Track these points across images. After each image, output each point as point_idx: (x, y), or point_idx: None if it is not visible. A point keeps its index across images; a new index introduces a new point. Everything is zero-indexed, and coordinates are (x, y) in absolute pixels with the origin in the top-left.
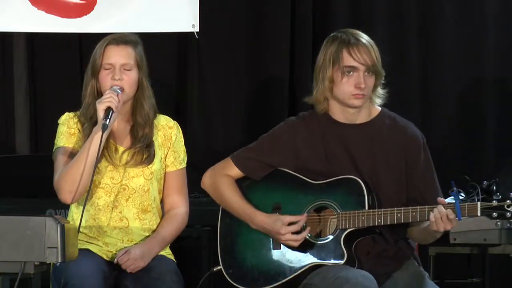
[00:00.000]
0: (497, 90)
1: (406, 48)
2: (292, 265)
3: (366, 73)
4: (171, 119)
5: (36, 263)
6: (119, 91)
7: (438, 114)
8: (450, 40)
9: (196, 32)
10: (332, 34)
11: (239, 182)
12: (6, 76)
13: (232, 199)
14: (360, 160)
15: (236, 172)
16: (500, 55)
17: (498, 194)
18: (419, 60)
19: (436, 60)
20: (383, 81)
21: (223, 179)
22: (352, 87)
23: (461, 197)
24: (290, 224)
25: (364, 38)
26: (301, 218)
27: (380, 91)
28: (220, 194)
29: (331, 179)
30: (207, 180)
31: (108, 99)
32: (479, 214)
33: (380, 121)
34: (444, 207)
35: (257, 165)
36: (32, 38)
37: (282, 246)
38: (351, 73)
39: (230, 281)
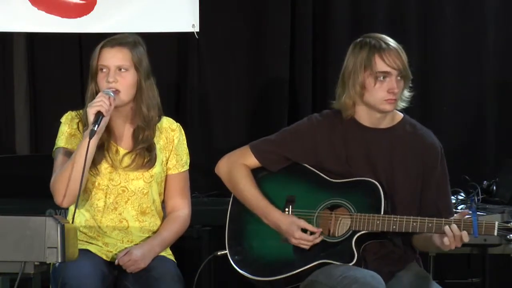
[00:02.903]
0: (497, 90)
1: (406, 48)
2: (300, 260)
3: (398, 78)
4: (174, 122)
5: (36, 263)
6: (112, 94)
7: (438, 114)
8: (450, 40)
9: (196, 32)
10: (359, 40)
11: (254, 172)
12: (6, 76)
13: (248, 190)
14: (379, 164)
15: (253, 161)
16: (500, 55)
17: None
18: (419, 60)
19: (436, 60)
20: (410, 85)
21: (240, 168)
22: (385, 92)
23: (460, 197)
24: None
25: (393, 42)
26: (317, 231)
27: (406, 94)
28: (235, 183)
29: (349, 179)
30: (223, 167)
31: (99, 103)
32: (495, 233)
33: (401, 128)
34: (460, 223)
35: (275, 158)
36: (32, 38)
37: None
38: (384, 78)
39: (235, 267)
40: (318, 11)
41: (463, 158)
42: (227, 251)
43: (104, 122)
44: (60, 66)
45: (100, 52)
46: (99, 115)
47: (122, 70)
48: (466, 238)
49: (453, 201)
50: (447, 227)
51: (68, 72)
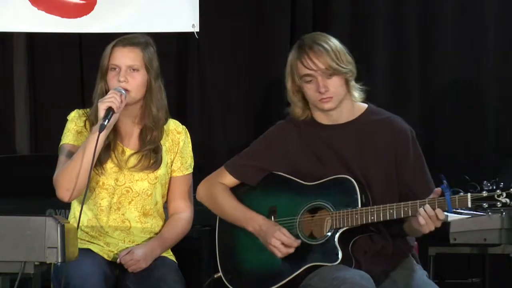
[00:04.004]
0: (497, 90)
1: (406, 48)
2: (289, 267)
3: (325, 77)
4: (180, 124)
5: (36, 263)
6: (123, 92)
7: (438, 114)
8: (450, 40)
9: (196, 32)
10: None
11: (233, 190)
12: (6, 76)
13: (227, 203)
14: (349, 159)
15: (230, 180)
16: (500, 55)
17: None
18: (419, 60)
19: (436, 60)
20: (351, 76)
21: (217, 186)
22: (316, 93)
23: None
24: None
25: (318, 41)
26: (296, 243)
27: (354, 85)
28: (215, 201)
29: (324, 180)
30: (202, 191)
31: (110, 99)
32: (469, 205)
33: (365, 118)
34: (434, 202)
35: (251, 171)
36: (32, 38)
37: None
38: (310, 80)
39: (230, 286)
40: (318, 11)
41: (463, 158)
42: (220, 274)
43: (114, 119)
44: (60, 66)
45: (111, 51)
46: (109, 110)
47: (133, 70)
48: (441, 215)
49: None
50: (421, 208)
51: (68, 72)
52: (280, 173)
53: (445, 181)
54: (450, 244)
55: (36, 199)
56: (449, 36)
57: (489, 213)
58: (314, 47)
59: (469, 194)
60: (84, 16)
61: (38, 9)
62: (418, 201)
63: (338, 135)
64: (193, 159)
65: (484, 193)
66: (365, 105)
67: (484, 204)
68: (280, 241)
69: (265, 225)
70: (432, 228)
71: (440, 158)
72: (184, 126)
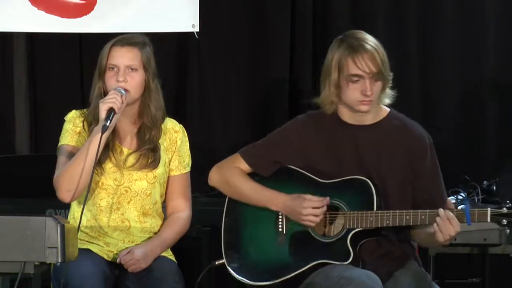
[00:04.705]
0: (497, 90)
1: (406, 48)
2: (297, 262)
3: (372, 80)
4: (177, 123)
5: (36, 263)
6: (123, 92)
7: (438, 114)
8: (450, 40)
9: (196, 32)
10: (339, 37)
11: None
12: (6, 76)
13: (246, 185)
14: (368, 160)
15: (244, 166)
16: (500, 55)
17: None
18: (419, 60)
19: (436, 60)
20: (390, 84)
21: (233, 170)
22: (359, 94)
23: (460, 197)
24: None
25: (370, 43)
26: (324, 202)
27: (388, 92)
28: (232, 184)
29: (340, 179)
30: (215, 176)
31: (111, 100)
32: (488, 220)
33: (388, 122)
34: (454, 212)
35: (265, 162)
36: (32, 38)
37: (287, 242)
38: (357, 80)
39: (234, 274)
40: (318, 11)
41: (463, 158)
42: (224, 260)
43: (115, 119)
44: (60, 66)
45: (110, 51)
46: (111, 111)
47: (132, 69)
48: (457, 225)
49: (453, 201)
50: (438, 217)
51: (68, 72)
52: (294, 167)
53: (465, 195)
54: (450, 244)
55: (36, 199)
56: (449, 36)
57: (507, 230)
58: (368, 49)
59: (489, 210)
60: (84, 16)
61: (38, 9)
62: (436, 210)
63: (362, 135)
64: (190, 158)
65: (504, 210)
66: (388, 109)
67: (504, 221)
68: (310, 207)
69: (289, 199)
70: (447, 237)
71: (440, 158)
72: (181, 125)
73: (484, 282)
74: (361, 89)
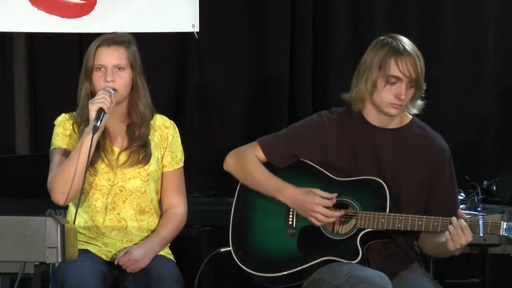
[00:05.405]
0: (497, 90)
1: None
2: (303, 256)
3: (409, 85)
4: (168, 119)
5: (36, 263)
6: (112, 92)
7: (438, 114)
8: (450, 40)
9: (196, 32)
10: (381, 38)
11: None
12: (6, 76)
13: (259, 171)
14: (386, 164)
15: (260, 155)
16: (500, 55)
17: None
18: None
19: (436, 60)
20: (423, 95)
21: (249, 157)
22: (392, 96)
23: (460, 197)
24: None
25: (412, 48)
26: (333, 196)
27: (418, 102)
28: (246, 170)
29: (355, 178)
30: (231, 160)
31: (101, 100)
32: (501, 233)
33: (410, 129)
34: (467, 222)
35: (282, 154)
36: (32, 38)
37: (296, 236)
38: (394, 82)
39: (238, 262)
40: (318, 11)
41: (463, 158)
42: (230, 248)
43: (105, 119)
44: (60, 66)
45: (96, 51)
46: (101, 111)
47: (119, 69)
48: (469, 234)
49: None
50: (450, 225)
51: (68, 72)
52: (310, 162)
53: (480, 204)
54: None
55: (36, 199)
56: (449, 36)
57: None
58: (411, 54)
59: (504, 223)
60: (84, 16)
61: (38, 9)
62: (449, 218)
63: (384, 139)
64: (183, 153)
65: None
66: (411, 117)
67: None
68: (321, 205)
69: (300, 193)
70: (458, 246)
71: None
72: (172, 121)
73: (484, 282)
74: (396, 92)
